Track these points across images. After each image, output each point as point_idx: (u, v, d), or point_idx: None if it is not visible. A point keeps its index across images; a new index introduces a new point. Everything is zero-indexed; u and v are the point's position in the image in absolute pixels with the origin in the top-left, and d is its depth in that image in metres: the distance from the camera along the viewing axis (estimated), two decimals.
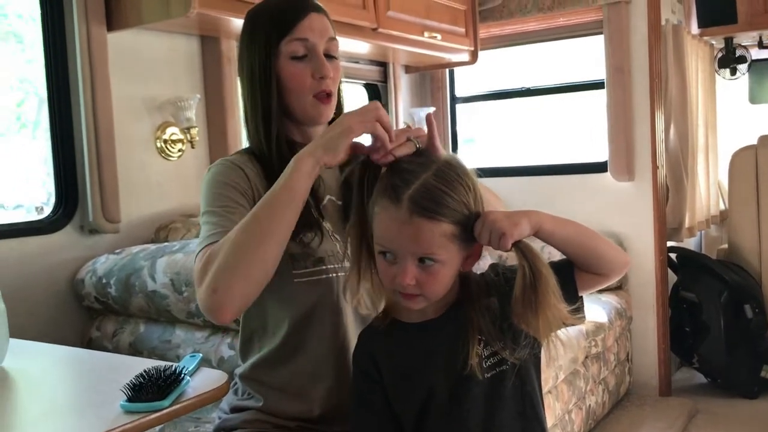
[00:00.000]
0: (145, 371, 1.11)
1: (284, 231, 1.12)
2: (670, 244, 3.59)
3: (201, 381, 1.18)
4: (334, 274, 1.27)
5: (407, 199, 1.02)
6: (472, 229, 1.05)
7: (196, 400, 1.12)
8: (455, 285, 1.11)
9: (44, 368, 1.40)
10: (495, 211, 1.06)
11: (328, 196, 1.36)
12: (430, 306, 1.11)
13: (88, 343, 2.24)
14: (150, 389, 1.08)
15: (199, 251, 1.18)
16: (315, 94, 1.31)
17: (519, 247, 1.03)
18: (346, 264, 1.28)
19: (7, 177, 2.47)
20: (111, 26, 2.33)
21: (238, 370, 1.40)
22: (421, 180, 1.04)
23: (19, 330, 1.89)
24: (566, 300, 1.05)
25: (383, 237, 1.06)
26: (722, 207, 4.40)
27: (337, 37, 1.37)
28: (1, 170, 2.45)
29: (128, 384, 1.08)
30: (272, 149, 1.31)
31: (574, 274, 1.10)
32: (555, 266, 1.07)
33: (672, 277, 3.64)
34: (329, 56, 1.33)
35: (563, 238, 1.08)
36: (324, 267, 1.27)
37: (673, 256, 3.64)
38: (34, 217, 2.37)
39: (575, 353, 2.73)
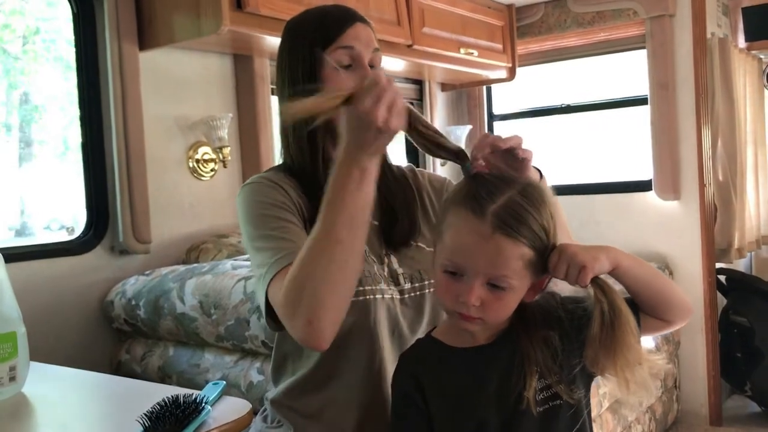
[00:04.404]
0: (164, 400, 1.06)
1: (363, 245, 1.08)
2: (718, 265, 3.45)
3: (223, 411, 1.13)
4: (372, 296, 1.22)
5: (492, 213, 0.96)
6: (546, 259, 0.99)
7: (217, 431, 1.06)
8: None
9: (64, 394, 1.36)
10: (572, 244, 1.00)
11: None
12: (481, 331, 1.05)
13: (117, 366, 2.20)
14: (168, 419, 1.03)
15: (271, 279, 1.11)
16: None
17: (597, 282, 0.97)
18: (383, 286, 1.23)
19: (52, 199, 2.49)
20: (143, 45, 2.32)
21: (269, 395, 1.35)
22: (506, 196, 0.98)
23: (49, 352, 1.87)
24: None
25: (457, 250, 0.99)
26: None
27: None
28: (47, 193, 2.47)
29: (145, 413, 1.03)
30: (318, 163, 1.26)
31: (639, 317, 1.04)
32: None
33: (721, 300, 3.50)
34: (373, 67, 1.28)
35: (638, 277, 1.02)
36: (361, 288, 1.21)
37: (722, 278, 3.51)
38: (65, 237, 2.35)
39: None
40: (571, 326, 1.03)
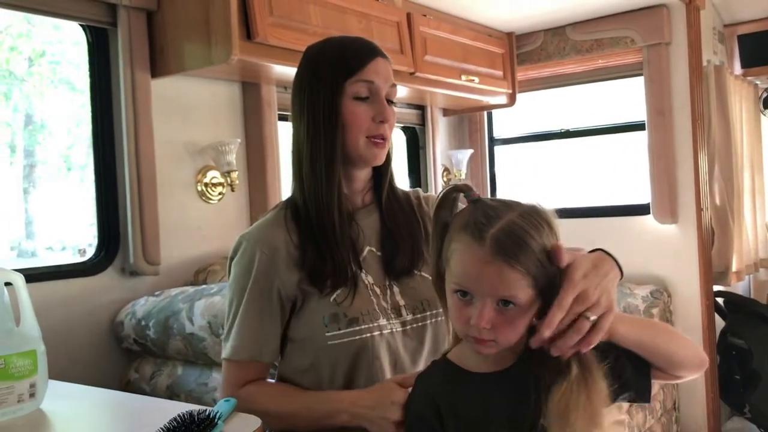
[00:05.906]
0: (178, 416, 1.10)
1: None
2: (716, 288, 3.48)
3: (235, 427, 1.16)
4: (369, 334, 1.24)
5: (490, 237, 0.97)
6: (551, 279, 1.00)
7: None
8: (523, 335, 1.05)
9: (81, 411, 1.39)
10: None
11: (368, 248, 1.33)
12: (496, 356, 1.06)
13: (126, 385, 2.25)
14: None
15: (225, 357, 1.31)
16: (370, 136, 1.28)
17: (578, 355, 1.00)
18: (383, 321, 1.26)
19: (57, 219, 2.54)
20: (155, 73, 2.39)
21: None
22: (505, 220, 0.99)
23: (60, 371, 1.90)
24: (637, 396, 1.05)
25: (462, 275, 1.01)
26: None
27: None
28: (52, 213, 2.52)
29: (161, 429, 1.07)
30: (333, 191, 1.27)
31: (650, 371, 1.06)
32: (631, 360, 1.04)
33: (719, 323, 3.52)
34: (388, 101, 1.32)
35: (636, 342, 1.04)
36: (358, 327, 1.24)
37: (720, 300, 3.53)
38: (77, 259, 2.41)
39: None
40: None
